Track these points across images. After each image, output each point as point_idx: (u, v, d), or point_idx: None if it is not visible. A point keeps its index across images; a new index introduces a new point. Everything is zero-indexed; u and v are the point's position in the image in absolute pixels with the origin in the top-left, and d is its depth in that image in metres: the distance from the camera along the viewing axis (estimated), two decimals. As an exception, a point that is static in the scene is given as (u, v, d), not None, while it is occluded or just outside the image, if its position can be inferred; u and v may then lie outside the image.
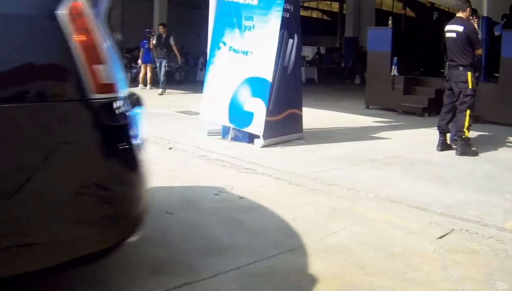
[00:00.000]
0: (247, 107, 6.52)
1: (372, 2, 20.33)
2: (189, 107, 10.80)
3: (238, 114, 6.59)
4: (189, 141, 6.78)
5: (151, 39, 13.90)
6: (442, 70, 12.17)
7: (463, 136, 6.60)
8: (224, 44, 6.70)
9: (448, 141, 6.93)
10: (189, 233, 3.57)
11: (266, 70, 6.39)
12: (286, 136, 6.91)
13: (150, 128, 7.51)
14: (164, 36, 13.82)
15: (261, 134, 6.46)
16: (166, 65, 13.90)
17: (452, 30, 6.63)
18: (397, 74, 11.07)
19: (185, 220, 3.82)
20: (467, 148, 6.64)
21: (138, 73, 15.46)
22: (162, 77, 13.72)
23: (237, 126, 6.65)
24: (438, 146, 6.87)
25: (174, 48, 14.12)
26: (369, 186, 4.93)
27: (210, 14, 7.06)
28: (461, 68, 6.54)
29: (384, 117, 10.19)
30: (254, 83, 6.47)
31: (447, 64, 6.89)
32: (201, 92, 10.10)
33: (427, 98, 10.71)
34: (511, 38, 9.18)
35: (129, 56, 16.12)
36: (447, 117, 6.88)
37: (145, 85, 14.78)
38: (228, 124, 6.70)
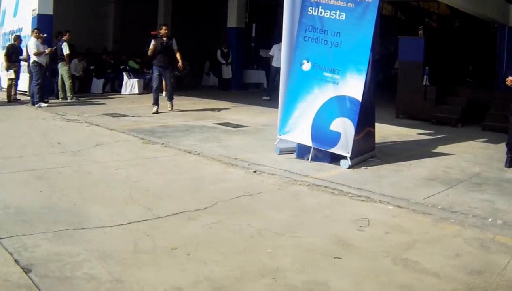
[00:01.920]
0: (333, 127, 6.30)
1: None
2: (223, 117, 10.58)
3: (323, 134, 6.37)
4: (268, 161, 6.52)
5: (153, 43, 10.96)
6: (468, 80, 12.32)
7: (533, 154, 6.63)
8: (308, 60, 6.47)
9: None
10: (379, 282, 3.35)
11: (356, 89, 6.19)
12: (364, 155, 6.75)
13: (209, 145, 7.41)
14: (166, 39, 11.01)
15: (349, 155, 6.26)
16: (172, 75, 11.51)
17: None
18: (428, 84, 11.03)
19: (357, 265, 3.59)
20: (534, 164, 6.66)
21: (151, 79, 15.02)
22: (170, 88, 11.53)
23: (321, 147, 6.43)
24: (506, 163, 6.88)
25: (178, 55, 11.29)
26: (486, 212, 4.88)
27: (285, 26, 6.80)
28: None
29: (422, 128, 10.13)
30: (342, 102, 6.26)
31: None
32: (217, 98, 9.44)
33: (460, 108, 10.74)
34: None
35: (140, 61, 15.59)
36: None
37: (161, 92, 14.33)
38: (310, 144, 6.46)
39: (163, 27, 11.18)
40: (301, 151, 6.74)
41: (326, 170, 6.22)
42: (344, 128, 6.25)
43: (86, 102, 12.68)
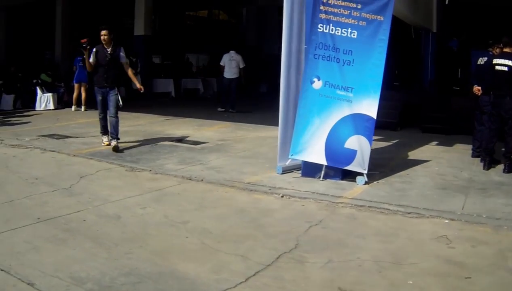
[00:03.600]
0: (348, 145, 6.31)
1: (275, 13, 20.58)
2: (169, 133, 10.24)
3: (337, 152, 6.35)
4: (284, 183, 6.34)
5: (87, 56, 8.26)
6: (395, 84, 13.04)
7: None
8: (319, 78, 6.38)
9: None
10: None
11: (370, 107, 6.26)
12: (367, 169, 6.85)
13: (197, 168, 7.02)
14: (110, 49, 8.28)
15: (365, 172, 6.32)
16: (119, 98, 8.45)
17: (503, 64, 7.26)
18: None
19: (489, 281, 3.75)
20: (512, 166, 7.33)
21: (64, 93, 13.81)
22: (114, 119, 8.36)
23: (336, 165, 6.41)
24: (485, 166, 7.46)
25: (129, 71, 8.62)
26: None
27: (284, 41, 6.63)
28: (508, 98, 7.18)
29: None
30: (357, 120, 6.29)
31: (492, 93, 7.44)
32: (139, 111, 9.52)
33: (397, 112, 11.38)
34: None
35: (50, 73, 14.18)
36: (494, 139, 7.49)
37: (79, 106, 13.27)
38: (325, 162, 6.40)
39: (103, 32, 8.20)
40: (309, 170, 6.65)
41: (349, 188, 6.21)
42: (360, 145, 6.30)
43: (6, 122, 11.28)
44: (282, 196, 5.89)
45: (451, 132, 10.39)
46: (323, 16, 6.32)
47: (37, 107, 13.39)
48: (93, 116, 12.05)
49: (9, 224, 4.72)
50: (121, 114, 12.58)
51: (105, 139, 8.60)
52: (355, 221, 5.14)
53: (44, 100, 13.39)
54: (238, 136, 9.90)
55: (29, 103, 13.59)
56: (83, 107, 13.33)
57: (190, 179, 6.61)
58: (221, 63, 14.19)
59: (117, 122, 8.38)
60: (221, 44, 19.91)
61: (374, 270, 3.91)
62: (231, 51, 14.17)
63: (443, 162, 7.89)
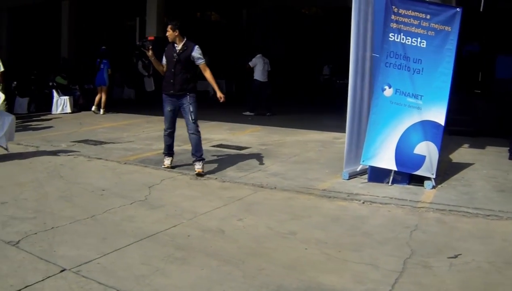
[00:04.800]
0: (417, 151, 6.55)
1: (277, 14, 20.74)
2: (207, 138, 10.09)
3: (407, 158, 6.58)
4: (358, 189, 6.51)
5: (153, 58, 7.01)
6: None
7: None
8: (390, 86, 6.58)
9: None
10: None
11: (439, 114, 6.51)
12: (429, 173, 7.09)
13: (261, 175, 7.13)
14: (180, 47, 6.94)
15: (433, 176, 6.56)
16: (193, 109, 7.00)
17: None
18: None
19: None
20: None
21: (80, 96, 13.68)
22: (195, 136, 7.15)
23: (406, 170, 6.63)
24: None
25: (207, 74, 7.06)
26: None
27: (352, 48, 6.80)
28: None
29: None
30: (426, 127, 6.53)
31: None
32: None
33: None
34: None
35: (64, 76, 14.00)
36: None
37: (99, 109, 13.17)
38: (395, 168, 6.61)
39: (169, 26, 6.88)
40: (376, 175, 6.84)
41: (420, 193, 6.42)
42: (428, 151, 6.54)
43: (28, 127, 11.07)
44: (363, 203, 6.07)
45: (476, 134, 10.74)
46: (394, 25, 6.52)
47: (54, 111, 13.19)
48: (116, 120, 12.19)
49: (109, 243, 4.54)
50: (142, 117, 12.71)
51: (167, 161, 7.42)
52: (446, 224, 5.35)
53: (61, 103, 13.20)
54: (276, 141, 10.02)
55: (43, 106, 13.38)
56: (102, 111, 13.23)
57: (262, 187, 6.67)
58: (251, 64, 14.19)
59: (199, 139, 7.09)
60: (219, 46, 19.94)
61: (493, 271, 4.14)
62: (259, 54, 14.24)
63: (486, 165, 8.19)
